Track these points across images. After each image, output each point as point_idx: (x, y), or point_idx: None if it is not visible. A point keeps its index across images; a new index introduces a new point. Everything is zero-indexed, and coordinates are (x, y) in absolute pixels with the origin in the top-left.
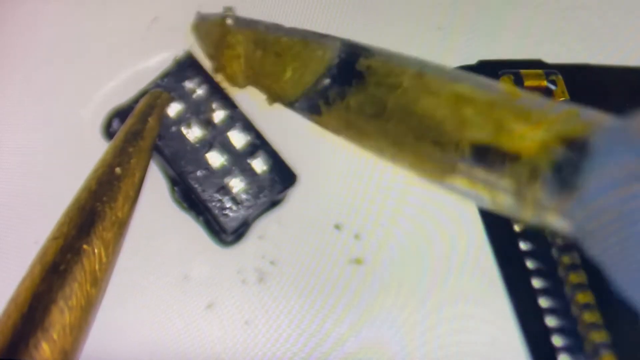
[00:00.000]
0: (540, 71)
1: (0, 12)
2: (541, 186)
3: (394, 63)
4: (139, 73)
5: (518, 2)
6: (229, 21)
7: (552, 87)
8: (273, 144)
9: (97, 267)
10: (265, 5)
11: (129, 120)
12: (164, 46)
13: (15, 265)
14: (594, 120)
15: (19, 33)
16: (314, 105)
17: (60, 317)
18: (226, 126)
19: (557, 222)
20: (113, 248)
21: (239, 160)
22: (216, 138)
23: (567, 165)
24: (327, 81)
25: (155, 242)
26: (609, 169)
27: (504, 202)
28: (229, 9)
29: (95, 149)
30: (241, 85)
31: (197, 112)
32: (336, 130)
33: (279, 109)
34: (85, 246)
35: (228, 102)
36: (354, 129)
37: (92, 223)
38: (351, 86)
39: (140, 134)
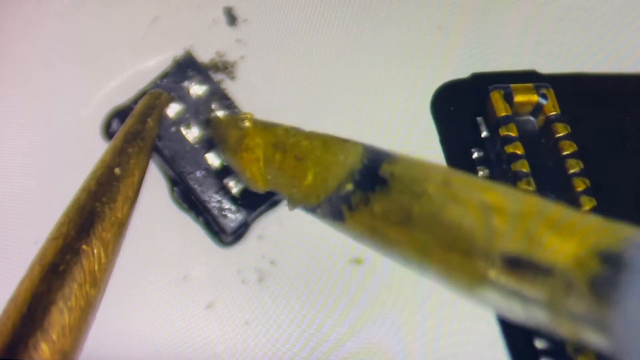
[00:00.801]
0: (530, 85)
1: (0, 12)
2: (576, 300)
3: (418, 170)
4: (139, 73)
5: (517, 6)
6: (247, 123)
7: (543, 101)
8: None
9: (96, 267)
10: (265, 5)
11: (129, 121)
12: (164, 46)
13: (15, 265)
14: (628, 233)
15: (19, 33)
16: (336, 210)
17: (60, 317)
18: None
19: (593, 337)
20: (112, 248)
21: None
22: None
23: (604, 280)
24: (350, 186)
25: (155, 242)
26: None
27: (537, 315)
28: (247, 113)
29: (95, 149)
30: (261, 189)
31: (197, 112)
32: (360, 237)
33: (278, 110)
34: (84, 247)
35: (227, 103)
36: (379, 235)
37: (91, 223)
38: (374, 192)
39: (140, 135)
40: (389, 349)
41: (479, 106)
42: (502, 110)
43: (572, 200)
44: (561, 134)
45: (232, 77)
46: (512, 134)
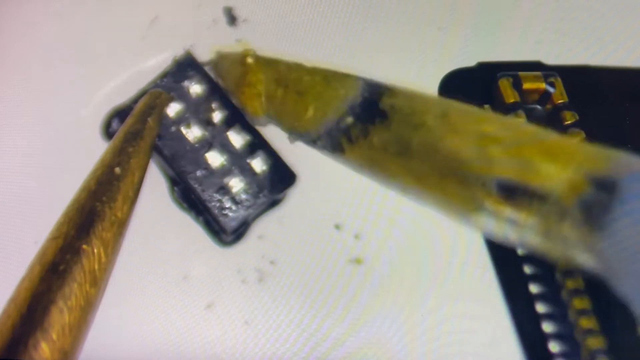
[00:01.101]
0: (538, 73)
1: (0, 12)
2: (569, 225)
3: (418, 102)
4: (138, 73)
5: (518, 2)
6: (250, 60)
7: (551, 89)
8: (272, 144)
9: (96, 267)
10: (265, 5)
11: (129, 120)
12: (164, 46)
13: (15, 265)
14: (622, 160)
15: (19, 33)
16: (336, 143)
17: (60, 317)
18: (225, 126)
19: (585, 260)
20: (112, 248)
21: (238, 160)
22: (215, 138)
23: (596, 204)
24: (349, 119)
25: (155, 242)
26: (637, 208)
27: (531, 240)
28: (249, 49)
29: (94, 149)
30: (262, 123)
31: (197, 112)
32: (359, 168)
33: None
34: (84, 246)
35: (227, 102)
36: (378, 166)
37: (91, 223)
38: (374, 124)
39: (140, 134)
40: (389, 349)
41: (485, 94)
42: (510, 97)
43: None
44: (569, 122)
45: None
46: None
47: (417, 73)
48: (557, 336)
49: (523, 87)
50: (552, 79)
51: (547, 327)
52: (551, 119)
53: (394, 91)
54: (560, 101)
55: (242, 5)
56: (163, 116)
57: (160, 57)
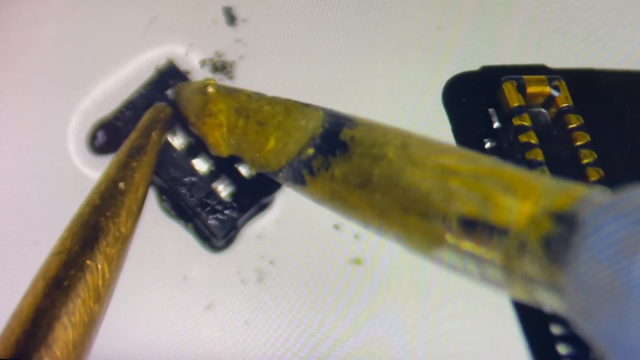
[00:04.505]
0: (543, 77)
1: (0, 12)
2: (530, 261)
3: (378, 133)
4: (138, 72)
5: (519, 4)
6: (210, 89)
7: (556, 93)
8: None
9: (100, 283)
10: (265, 5)
11: (133, 135)
12: (163, 46)
13: (15, 265)
14: (582, 194)
15: (19, 33)
16: (298, 175)
17: (64, 333)
18: None
19: (547, 298)
20: (116, 264)
21: (225, 165)
22: (201, 144)
23: (556, 239)
24: (310, 151)
25: (154, 243)
26: (599, 244)
27: (492, 276)
28: (210, 79)
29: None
30: (223, 154)
31: (181, 119)
32: (321, 201)
33: None
34: (88, 262)
35: None
36: (339, 199)
37: (95, 238)
38: (335, 156)
39: (144, 149)
40: (389, 349)
41: (489, 98)
42: (515, 100)
43: None
44: (574, 125)
45: (231, 77)
46: (526, 124)
47: (420, 77)
48: (566, 338)
49: (527, 91)
50: (556, 83)
51: (556, 329)
52: (556, 123)
53: (354, 122)
54: (564, 104)
55: (242, 5)
56: (167, 130)
57: (159, 56)
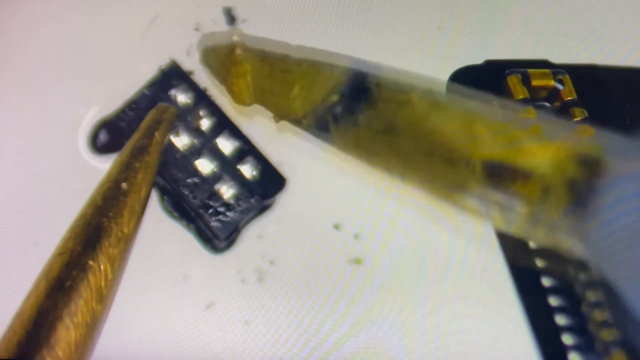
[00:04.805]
0: (547, 70)
1: (0, 12)
2: (554, 205)
3: (403, 80)
4: (138, 72)
5: (518, 1)
6: (236, 38)
7: (560, 86)
8: (261, 149)
9: (102, 283)
10: (265, 5)
11: (135, 135)
12: (163, 46)
13: (15, 265)
14: (607, 140)
15: (19, 33)
16: (322, 122)
17: (66, 334)
18: (214, 133)
19: (569, 242)
20: (119, 264)
21: (228, 167)
22: (205, 145)
23: (581, 184)
24: (335, 98)
25: (155, 242)
26: (622, 188)
27: (515, 221)
28: (237, 40)
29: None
30: (247, 103)
31: (185, 120)
32: (345, 148)
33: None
34: (91, 262)
35: (215, 109)
36: (363, 146)
37: (97, 239)
38: (360, 103)
39: (147, 149)
40: (389, 349)
41: (494, 91)
42: (519, 93)
43: None
44: (579, 118)
45: None
46: (531, 116)
47: (422, 72)
48: (571, 329)
49: (532, 84)
50: (560, 76)
51: (561, 319)
52: (560, 116)
53: (380, 69)
54: (569, 98)
55: (242, 5)
56: (170, 130)
57: (159, 56)
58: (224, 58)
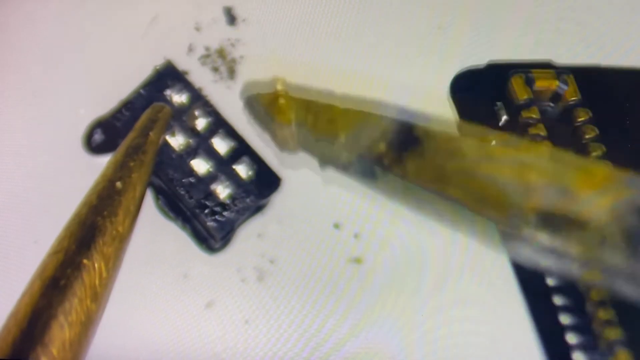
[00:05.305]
0: (551, 71)
1: (0, 12)
2: (611, 252)
3: (452, 129)
4: (138, 72)
5: (519, 3)
6: (279, 86)
7: (564, 87)
8: (257, 149)
9: (97, 282)
10: (265, 5)
11: (130, 135)
12: (163, 45)
13: (15, 265)
14: None
15: (19, 33)
16: (368, 169)
17: (60, 332)
18: (210, 133)
19: (627, 288)
20: (113, 263)
21: (224, 167)
22: (200, 145)
23: (638, 232)
24: (382, 146)
25: (154, 241)
26: None
27: (571, 268)
28: (281, 89)
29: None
30: (292, 150)
31: (180, 120)
32: (392, 196)
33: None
34: (85, 261)
35: (210, 109)
36: (412, 194)
37: (92, 238)
38: (407, 151)
39: (142, 148)
40: (390, 350)
41: (497, 92)
42: (523, 94)
43: None
44: (583, 119)
45: (232, 77)
46: (535, 117)
47: (424, 73)
48: (575, 328)
49: (535, 85)
50: (564, 77)
51: (565, 318)
52: (564, 117)
53: (427, 119)
54: (573, 99)
55: (242, 4)
56: (166, 130)
57: (159, 56)
58: (267, 107)
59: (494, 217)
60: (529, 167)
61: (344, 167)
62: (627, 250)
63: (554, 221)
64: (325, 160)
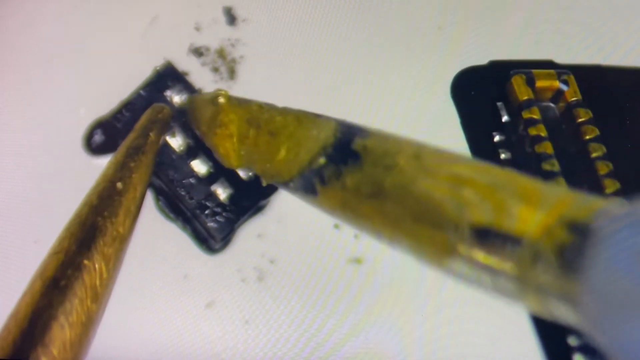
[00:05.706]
0: (552, 71)
1: (0, 12)
2: (544, 271)
3: (390, 143)
4: (138, 71)
5: (519, 1)
6: (222, 100)
7: (565, 87)
8: None
9: (97, 282)
10: (265, 5)
11: (131, 135)
12: (163, 45)
13: (15, 265)
14: (597, 204)
15: (19, 33)
16: (309, 184)
17: (61, 333)
18: None
19: (561, 309)
20: (114, 263)
21: (224, 167)
22: (200, 146)
23: (571, 249)
24: (322, 160)
25: (155, 241)
26: (614, 253)
27: (505, 287)
28: (221, 89)
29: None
30: (234, 165)
31: (180, 120)
32: (332, 210)
33: None
34: (86, 261)
35: None
36: (350, 209)
37: (93, 238)
38: (347, 166)
39: (142, 149)
40: (390, 350)
41: (498, 92)
42: (524, 94)
43: (596, 184)
44: (583, 119)
45: (232, 77)
46: (536, 117)
47: (424, 73)
48: (576, 330)
49: (536, 85)
50: (565, 77)
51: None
52: (564, 117)
53: (367, 132)
54: (573, 99)
55: (242, 5)
56: (166, 130)
57: (159, 56)
58: (209, 120)
59: (429, 234)
60: (464, 182)
61: (285, 183)
62: (558, 267)
63: (488, 237)
64: (267, 176)
